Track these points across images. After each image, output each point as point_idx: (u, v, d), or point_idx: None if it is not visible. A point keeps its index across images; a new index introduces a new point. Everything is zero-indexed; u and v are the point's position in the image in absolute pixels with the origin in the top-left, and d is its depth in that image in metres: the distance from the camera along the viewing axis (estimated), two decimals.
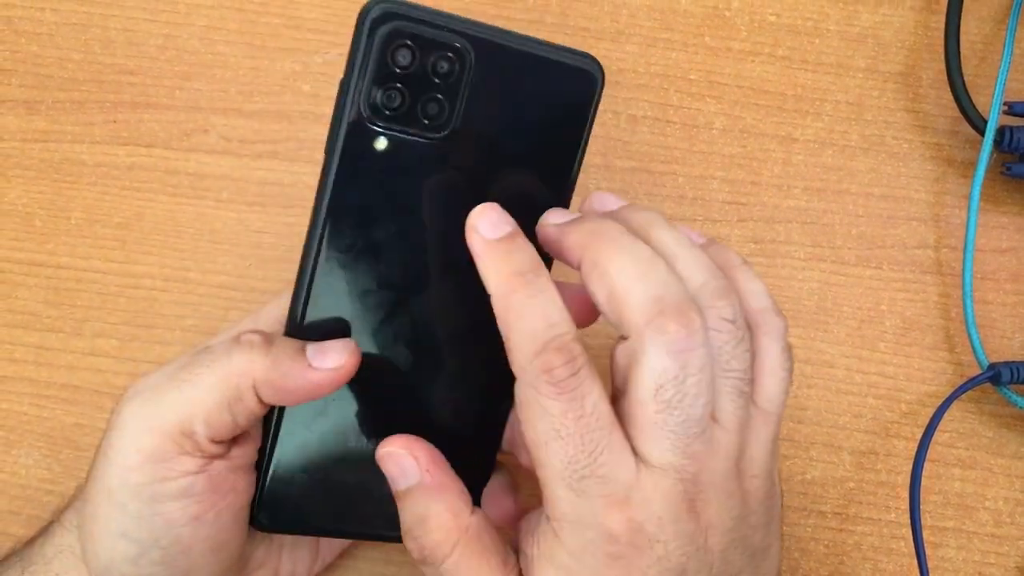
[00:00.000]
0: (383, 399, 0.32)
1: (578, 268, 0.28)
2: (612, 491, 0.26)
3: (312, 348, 0.30)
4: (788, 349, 0.30)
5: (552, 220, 0.30)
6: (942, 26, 0.41)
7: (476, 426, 0.33)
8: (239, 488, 0.31)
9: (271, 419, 0.31)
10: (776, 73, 0.43)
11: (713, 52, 0.43)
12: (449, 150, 0.29)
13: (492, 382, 0.32)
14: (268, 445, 0.31)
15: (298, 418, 0.31)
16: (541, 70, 0.30)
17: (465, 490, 0.30)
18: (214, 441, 0.29)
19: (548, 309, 0.27)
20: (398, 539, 0.32)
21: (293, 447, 0.31)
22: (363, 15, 0.27)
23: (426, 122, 0.29)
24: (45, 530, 0.33)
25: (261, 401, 0.29)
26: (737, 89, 0.43)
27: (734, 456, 0.28)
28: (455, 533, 0.29)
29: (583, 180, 0.42)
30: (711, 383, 0.27)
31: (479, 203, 0.29)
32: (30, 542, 0.33)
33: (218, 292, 0.41)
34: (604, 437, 0.26)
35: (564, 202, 0.32)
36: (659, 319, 0.26)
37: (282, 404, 0.30)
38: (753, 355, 0.29)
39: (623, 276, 0.27)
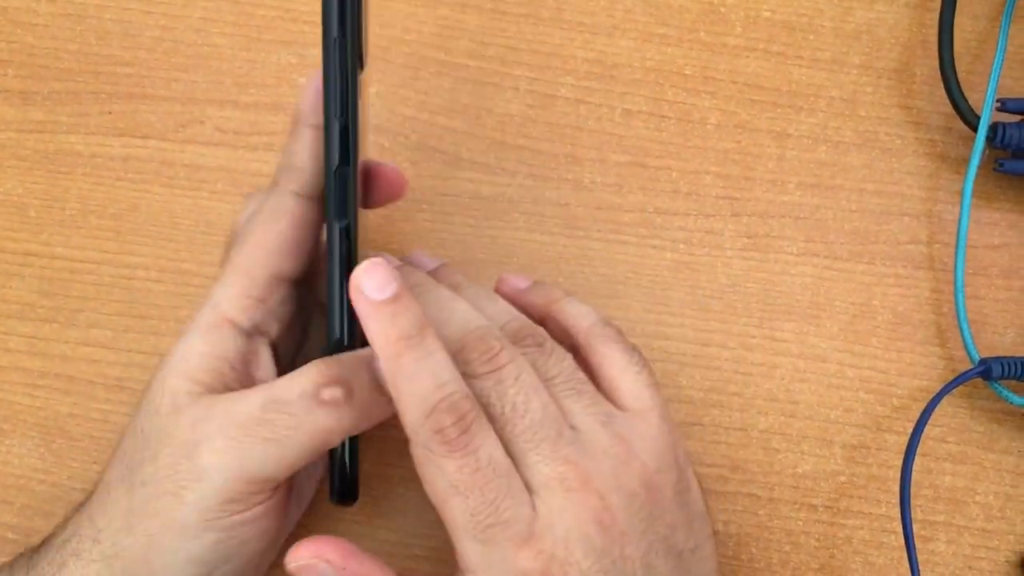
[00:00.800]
0: None
1: None
2: (517, 531, 0.27)
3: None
4: (631, 348, 0.31)
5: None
6: (936, 23, 0.42)
7: None
8: (303, 490, 0.33)
9: None
10: (771, 69, 0.43)
11: (708, 47, 0.43)
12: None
13: None
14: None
15: None
16: None
17: (387, 568, 0.29)
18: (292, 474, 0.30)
19: (436, 370, 0.28)
20: None
21: None
22: None
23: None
24: (43, 551, 0.32)
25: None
26: (732, 84, 0.43)
27: (614, 453, 0.28)
28: None
29: (575, 175, 0.42)
30: (539, 389, 0.28)
31: None
32: (32, 563, 0.32)
33: (213, 283, 0.41)
34: (503, 485, 0.27)
35: None
36: (463, 353, 0.29)
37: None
38: (597, 366, 0.31)
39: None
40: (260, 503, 0.30)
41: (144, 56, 0.43)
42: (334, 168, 0.29)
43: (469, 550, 0.27)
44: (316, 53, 0.42)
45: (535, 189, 0.42)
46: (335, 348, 0.31)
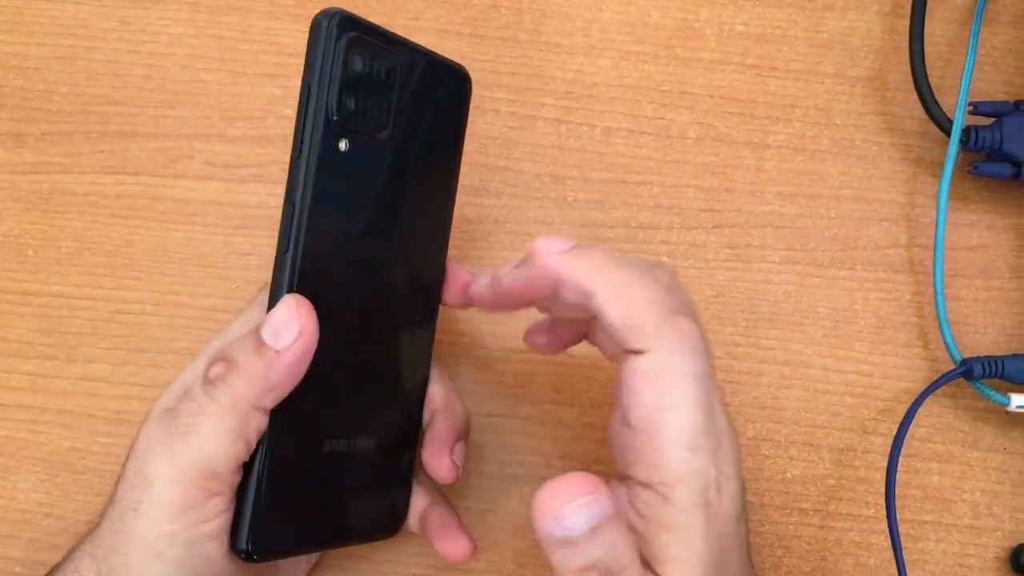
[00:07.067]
0: (357, 393, 0.33)
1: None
2: (713, 445, 0.28)
3: (267, 333, 0.30)
4: None
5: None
6: (907, 29, 0.42)
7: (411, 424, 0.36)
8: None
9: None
10: (746, 81, 0.44)
11: (684, 63, 0.44)
12: (390, 148, 0.32)
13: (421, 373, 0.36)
14: (254, 465, 0.31)
15: (279, 432, 0.31)
16: (436, 73, 0.34)
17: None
18: (238, 469, 0.30)
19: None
20: (387, 536, 0.36)
21: (276, 464, 0.31)
22: (321, 25, 0.30)
23: (373, 122, 0.32)
24: (55, 573, 0.33)
25: (265, 412, 0.30)
26: (708, 98, 0.44)
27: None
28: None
29: (559, 193, 0.43)
30: None
31: (416, 198, 0.34)
32: None
33: (207, 315, 0.42)
34: (716, 396, 0.29)
35: (454, 183, 0.37)
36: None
37: (283, 397, 0.30)
38: None
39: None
40: (219, 514, 0.30)
41: (133, 95, 0.44)
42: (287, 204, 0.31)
43: (678, 460, 0.27)
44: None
45: (519, 209, 0.43)
46: None
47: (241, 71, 0.44)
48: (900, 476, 0.40)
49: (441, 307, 0.36)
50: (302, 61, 0.43)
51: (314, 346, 0.30)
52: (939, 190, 0.40)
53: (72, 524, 0.40)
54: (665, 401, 0.28)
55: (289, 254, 0.30)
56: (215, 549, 0.30)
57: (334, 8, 0.30)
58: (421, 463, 0.36)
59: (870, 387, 0.41)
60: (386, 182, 0.33)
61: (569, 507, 0.27)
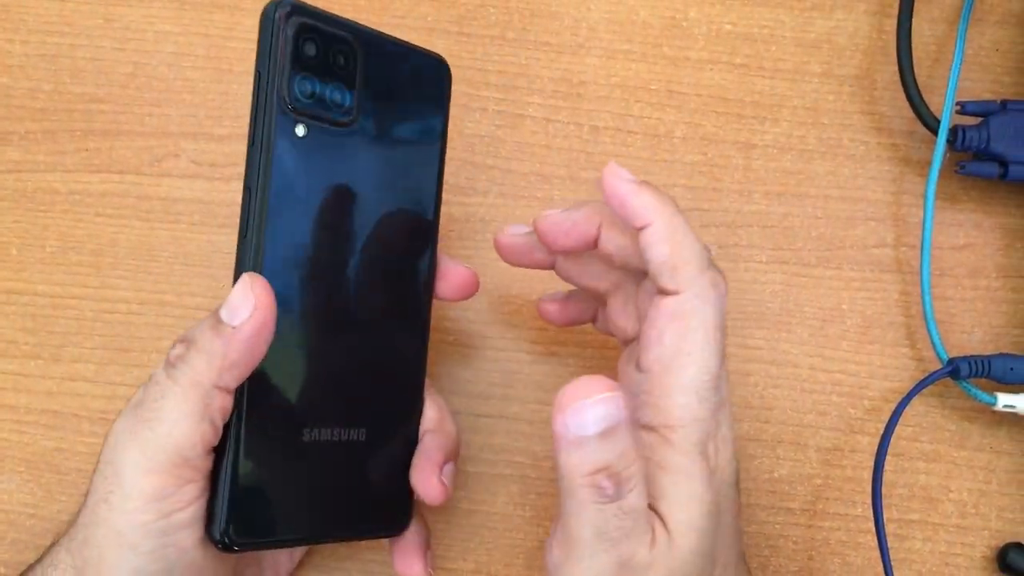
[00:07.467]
0: (339, 383, 0.33)
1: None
2: (716, 402, 0.30)
3: (224, 311, 0.30)
4: None
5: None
6: (895, 28, 0.42)
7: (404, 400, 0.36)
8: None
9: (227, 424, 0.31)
10: (734, 81, 0.44)
11: (672, 62, 0.44)
12: (360, 136, 0.32)
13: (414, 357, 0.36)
14: (226, 451, 0.31)
15: (249, 416, 0.31)
16: (410, 61, 0.34)
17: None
18: (208, 453, 0.30)
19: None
20: (389, 535, 0.35)
21: (248, 450, 0.31)
22: (269, 13, 0.30)
23: (334, 108, 0.32)
24: (34, 569, 0.33)
25: (228, 391, 0.30)
26: (696, 98, 0.44)
27: None
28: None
29: (546, 192, 0.43)
30: None
31: (396, 187, 0.34)
32: None
33: (193, 314, 0.42)
34: (725, 359, 0.31)
35: (439, 174, 0.36)
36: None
37: (245, 376, 0.30)
38: None
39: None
40: (192, 502, 0.30)
41: (118, 93, 0.43)
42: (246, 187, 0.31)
43: (684, 405, 0.29)
44: None
45: (506, 208, 0.43)
46: None
47: (227, 69, 0.43)
48: (887, 475, 0.40)
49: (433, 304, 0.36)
50: None
51: (271, 320, 0.30)
52: (926, 189, 0.40)
53: (56, 525, 0.40)
54: (684, 345, 0.30)
55: (248, 239, 0.30)
56: (189, 537, 0.30)
57: None
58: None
59: (857, 386, 0.41)
60: (358, 170, 0.33)
61: (585, 403, 0.27)
